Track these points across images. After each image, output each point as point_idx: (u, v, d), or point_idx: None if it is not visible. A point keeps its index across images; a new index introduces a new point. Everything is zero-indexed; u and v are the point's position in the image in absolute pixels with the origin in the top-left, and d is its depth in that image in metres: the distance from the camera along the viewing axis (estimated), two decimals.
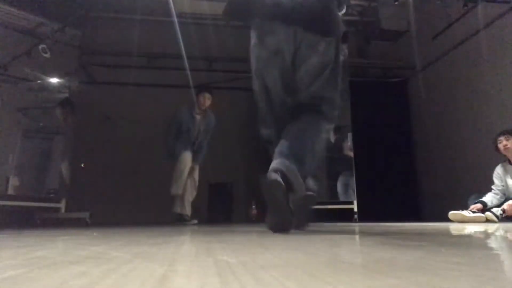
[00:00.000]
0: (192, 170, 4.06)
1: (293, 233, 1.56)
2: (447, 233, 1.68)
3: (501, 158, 3.60)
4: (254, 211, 5.23)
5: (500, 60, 4.17)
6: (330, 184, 5.22)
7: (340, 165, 5.07)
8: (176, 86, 4.27)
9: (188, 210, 3.95)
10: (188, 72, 4.19)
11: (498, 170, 3.57)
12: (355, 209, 4.64)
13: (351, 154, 5.03)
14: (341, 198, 4.97)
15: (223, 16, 1.85)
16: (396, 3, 4.82)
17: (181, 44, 4.45)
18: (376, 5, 5.03)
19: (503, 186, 3.50)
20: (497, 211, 3.24)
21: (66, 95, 4.58)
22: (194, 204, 4.07)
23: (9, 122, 4.19)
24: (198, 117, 4.14)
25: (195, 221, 3.91)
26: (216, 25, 5.20)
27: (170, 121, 4.13)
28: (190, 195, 4.02)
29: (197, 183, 4.11)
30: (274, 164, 1.49)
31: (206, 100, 4.11)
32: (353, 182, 4.90)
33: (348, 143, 5.05)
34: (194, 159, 4.08)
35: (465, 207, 3.43)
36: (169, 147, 4.03)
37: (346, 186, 5.00)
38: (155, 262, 0.66)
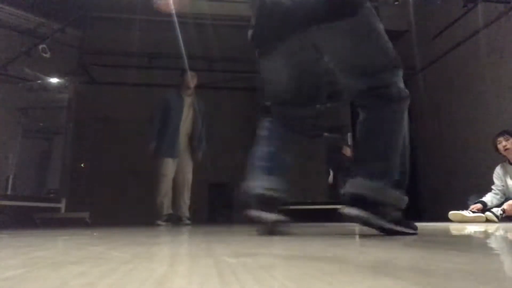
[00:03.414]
0: (185, 167, 3.89)
1: (293, 233, 1.56)
2: (447, 233, 1.68)
3: (501, 158, 3.60)
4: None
5: (500, 60, 4.17)
6: (330, 184, 5.23)
7: (342, 165, 5.07)
8: (176, 86, 4.26)
9: (182, 211, 3.82)
10: (188, 72, 4.18)
11: (498, 170, 3.58)
12: None
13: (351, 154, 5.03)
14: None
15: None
16: (396, 3, 4.82)
17: (181, 44, 4.45)
18: (376, 5, 5.03)
19: (503, 186, 3.50)
20: (497, 211, 3.24)
21: (66, 95, 4.59)
22: (194, 204, 4.05)
23: (9, 122, 4.19)
24: (187, 98, 4.00)
25: (163, 223, 3.67)
26: (216, 25, 5.20)
27: (158, 104, 3.98)
28: (180, 196, 3.86)
29: (189, 183, 3.91)
30: (351, 188, 1.36)
31: (193, 78, 4.00)
32: None
33: (349, 143, 5.04)
34: (193, 154, 3.95)
35: (465, 207, 3.43)
36: (155, 132, 3.85)
37: None
38: (155, 262, 0.66)
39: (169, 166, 3.81)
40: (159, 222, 3.65)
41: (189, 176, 3.93)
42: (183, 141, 3.93)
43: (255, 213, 1.45)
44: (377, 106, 1.45)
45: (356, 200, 1.34)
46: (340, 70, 1.50)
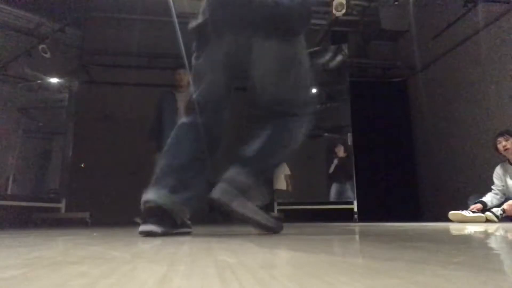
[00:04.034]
0: None
1: (293, 233, 1.56)
2: (447, 233, 1.68)
3: (501, 158, 3.61)
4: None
5: (500, 60, 4.17)
6: (329, 184, 5.23)
7: (340, 167, 5.09)
8: (176, 86, 4.27)
9: None
10: (188, 72, 4.18)
11: (498, 170, 3.58)
12: (355, 209, 4.64)
13: (343, 154, 5.05)
14: (332, 199, 5.04)
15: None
16: (396, 3, 4.82)
17: (181, 44, 4.44)
18: (376, 5, 5.03)
19: (503, 186, 3.50)
20: (497, 211, 3.24)
21: (66, 95, 4.58)
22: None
23: (9, 122, 4.18)
24: (179, 95, 4.05)
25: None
26: None
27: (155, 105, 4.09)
28: None
29: None
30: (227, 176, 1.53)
31: (182, 75, 4.04)
32: (348, 188, 4.92)
33: (349, 143, 5.05)
34: None
35: (465, 207, 3.43)
36: (152, 132, 3.94)
37: (339, 193, 5.03)
38: (155, 262, 0.66)
39: None
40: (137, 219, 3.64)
41: None
42: None
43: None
44: (279, 125, 1.56)
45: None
46: (258, 85, 1.57)
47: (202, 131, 1.60)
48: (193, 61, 1.63)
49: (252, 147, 1.56)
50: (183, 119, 1.67)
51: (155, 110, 4.06)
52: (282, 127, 1.55)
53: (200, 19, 1.57)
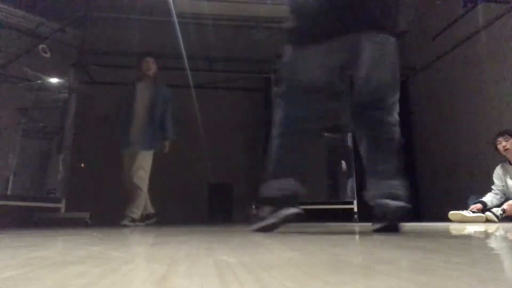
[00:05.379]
0: (135, 161, 3.58)
1: (293, 233, 1.56)
2: (447, 233, 1.68)
3: (501, 158, 3.61)
4: (254, 211, 5.24)
5: (500, 60, 4.17)
6: (330, 184, 5.23)
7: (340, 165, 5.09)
8: (176, 86, 4.27)
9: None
10: (188, 72, 4.18)
11: (498, 171, 3.58)
12: (355, 209, 4.64)
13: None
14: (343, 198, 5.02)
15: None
16: None
17: (181, 44, 4.44)
18: None
19: (503, 186, 3.50)
20: (497, 211, 3.24)
21: (66, 95, 4.58)
22: (195, 204, 4.03)
23: (9, 122, 4.19)
24: (139, 84, 3.66)
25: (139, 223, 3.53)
26: (216, 25, 5.20)
27: None
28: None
29: (139, 177, 3.57)
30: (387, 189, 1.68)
31: (150, 64, 3.65)
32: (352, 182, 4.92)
33: (349, 143, 5.06)
34: (164, 138, 3.68)
35: (465, 207, 3.43)
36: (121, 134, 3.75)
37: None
38: (155, 262, 0.66)
39: (124, 162, 3.69)
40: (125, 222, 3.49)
41: (134, 170, 3.58)
42: (136, 132, 3.68)
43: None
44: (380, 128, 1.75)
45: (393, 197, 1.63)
46: (360, 86, 1.74)
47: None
48: (286, 61, 1.76)
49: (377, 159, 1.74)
50: (281, 116, 1.80)
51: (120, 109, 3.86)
52: (378, 129, 1.74)
53: (294, 23, 1.70)
